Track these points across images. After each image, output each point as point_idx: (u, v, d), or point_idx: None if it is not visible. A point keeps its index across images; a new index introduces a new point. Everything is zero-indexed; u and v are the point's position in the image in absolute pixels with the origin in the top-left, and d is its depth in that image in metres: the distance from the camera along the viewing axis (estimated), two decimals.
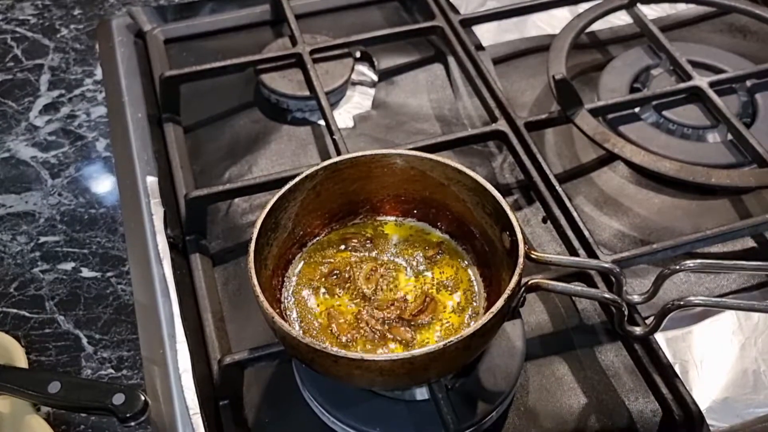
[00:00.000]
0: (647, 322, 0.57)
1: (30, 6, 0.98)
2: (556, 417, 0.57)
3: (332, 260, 0.59)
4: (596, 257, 0.62)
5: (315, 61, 0.79)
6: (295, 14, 0.85)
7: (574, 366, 0.60)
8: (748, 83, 0.78)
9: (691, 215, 0.70)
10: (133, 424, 0.54)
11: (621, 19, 0.89)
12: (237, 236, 0.69)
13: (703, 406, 0.55)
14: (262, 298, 0.50)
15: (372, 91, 0.83)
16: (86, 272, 0.69)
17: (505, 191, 0.72)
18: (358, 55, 0.85)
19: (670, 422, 0.55)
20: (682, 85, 0.76)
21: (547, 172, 0.68)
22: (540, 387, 0.59)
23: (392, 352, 0.53)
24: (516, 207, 0.71)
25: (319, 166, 0.58)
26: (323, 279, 0.58)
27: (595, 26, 0.86)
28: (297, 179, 0.57)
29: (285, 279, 0.58)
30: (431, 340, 0.54)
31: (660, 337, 0.59)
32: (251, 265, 0.51)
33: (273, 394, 0.58)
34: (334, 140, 0.71)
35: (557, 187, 0.67)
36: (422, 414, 0.54)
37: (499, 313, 0.48)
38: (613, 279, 0.54)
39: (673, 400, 0.55)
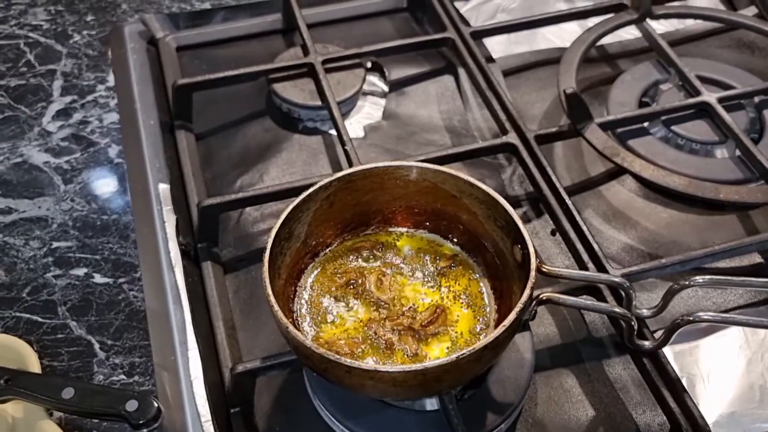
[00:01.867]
0: (656, 336, 0.57)
1: (43, 11, 0.98)
2: (564, 429, 0.58)
3: (344, 270, 0.59)
4: (605, 270, 0.62)
5: (327, 71, 0.80)
6: (307, 24, 0.86)
7: (582, 378, 0.60)
8: (756, 99, 0.79)
9: (699, 230, 0.70)
10: (145, 431, 0.54)
11: (630, 33, 0.89)
12: (248, 245, 0.70)
13: (709, 420, 0.55)
14: (276, 307, 0.50)
15: (383, 101, 0.84)
16: (98, 278, 0.70)
17: (515, 203, 0.73)
18: (369, 65, 0.86)
19: None
20: (691, 101, 0.77)
21: (557, 185, 0.69)
22: (548, 399, 0.59)
23: (399, 362, 0.53)
24: (525, 219, 0.72)
25: (333, 177, 0.58)
26: (335, 288, 0.58)
27: (605, 40, 0.86)
28: (311, 190, 0.57)
29: (297, 288, 0.59)
30: (441, 351, 0.54)
31: (667, 351, 0.59)
32: (266, 274, 0.52)
33: (284, 402, 0.59)
34: (345, 150, 0.72)
35: (566, 200, 0.68)
36: (432, 424, 0.55)
37: (511, 326, 0.49)
38: (623, 293, 0.55)
39: (680, 413, 0.55)
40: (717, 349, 0.61)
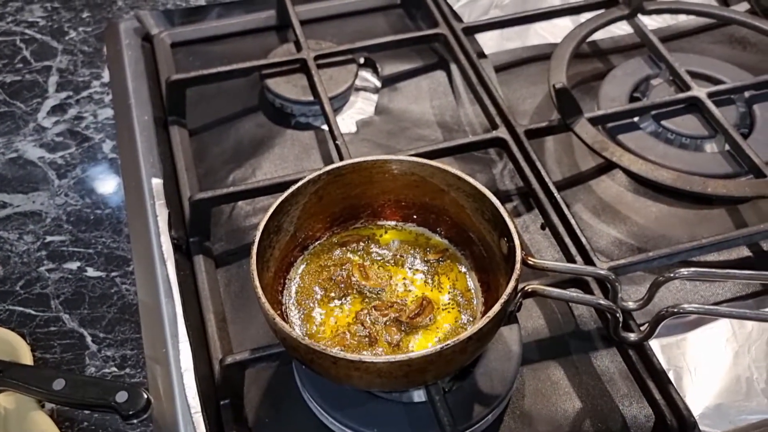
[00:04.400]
0: (642, 328, 0.58)
1: (39, 8, 0.99)
2: (551, 421, 0.58)
3: (333, 263, 0.60)
4: (593, 264, 0.62)
5: (319, 66, 0.80)
6: (300, 20, 0.86)
7: (569, 371, 0.61)
8: (747, 94, 0.79)
9: (688, 224, 0.71)
10: (135, 421, 0.55)
11: (622, 29, 0.90)
12: (240, 238, 0.70)
13: (696, 412, 0.56)
14: (263, 299, 0.51)
15: (375, 97, 0.84)
16: (91, 272, 0.70)
17: (505, 198, 0.73)
18: (361, 61, 0.86)
19: (663, 428, 0.55)
20: (681, 96, 0.77)
21: (546, 179, 0.69)
22: (536, 391, 0.60)
23: (383, 353, 0.54)
24: (515, 213, 0.72)
25: (321, 171, 0.59)
26: (324, 281, 0.59)
27: (597, 36, 0.87)
28: (300, 183, 0.58)
29: (286, 281, 0.59)
30: (427, 343, 0.55)
31: (655, 344, 0.59)
32: (254, 267, 0.52)
33: (273, 394, 0.59)
34: (336, 145, 0.72)
35: (556, 194, 0.68)
36: (419, 416, 0.55)
37: (495, 317, 0.49)
38: (609, 286, 0.55)
39: (666, 405, 0.56)
40: (704, 342, 0.61)
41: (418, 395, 0.56)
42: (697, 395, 0.58)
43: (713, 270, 0.56)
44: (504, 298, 0.50)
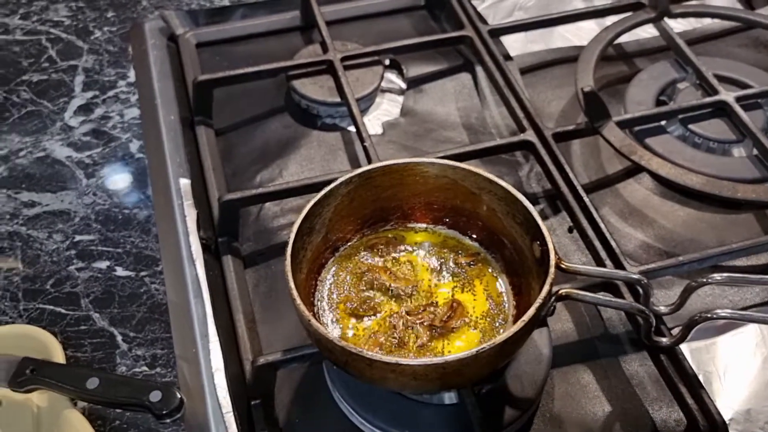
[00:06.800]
0: (673, 332, 0.58)
1: (64, 8, 0.99)
2: (580, 424, 0.58)
3: (364, 265, 0.60)
4: (622, 268, 0.63)
5: (345, 68, 0.81)
6: (326, 21, 0.86)
7: (598, 374, 0.61)
8: None
9: (716, 228, 0.71)
10: (168, 421, 0.55)
11: (648, 32, 0.89)
12: (268, 239, 0.71)
13: (725, 417, 0.55)
14: (299, 301, 0.51)
15: (400, 98, 0.84)
16: (120, 271, 0.71)
17: (532, 200, 0.71)
18: (387, 62, 0.86)
19: None
20: (709, 99, 0.77)
21: (574, 182, 0.69)
22: (565, 394, 0.60)
23: (413, 355, 0.54)
24: (542, 216, 0.71)
25: (353, 173, 0.59)
26: (355, 283, 0.59)
27: (622, 39, 0.86)
28: (332, 185, 0.58)
29: (318, 282, 0.59)
30: (460, 346, 0.55)
31: (684, 348, 0.59)
32: (288, 269, 0.52)
33: (304, 394, 0.60)
34: (364, 147, 0.72)
35: (584, 197, 0.68)
36: (450, 417, 0.55)
37: (530, 321, 0.50)
38: (641, 290, 0.55)
39: (698, 410, 0.56)
40: (733, 347, 0.61)
41: (449, 397, 0.56)
42: (727, 400, 0.58)
43: (745, 275, 0.56)
44: (539, 302, 0.50)
